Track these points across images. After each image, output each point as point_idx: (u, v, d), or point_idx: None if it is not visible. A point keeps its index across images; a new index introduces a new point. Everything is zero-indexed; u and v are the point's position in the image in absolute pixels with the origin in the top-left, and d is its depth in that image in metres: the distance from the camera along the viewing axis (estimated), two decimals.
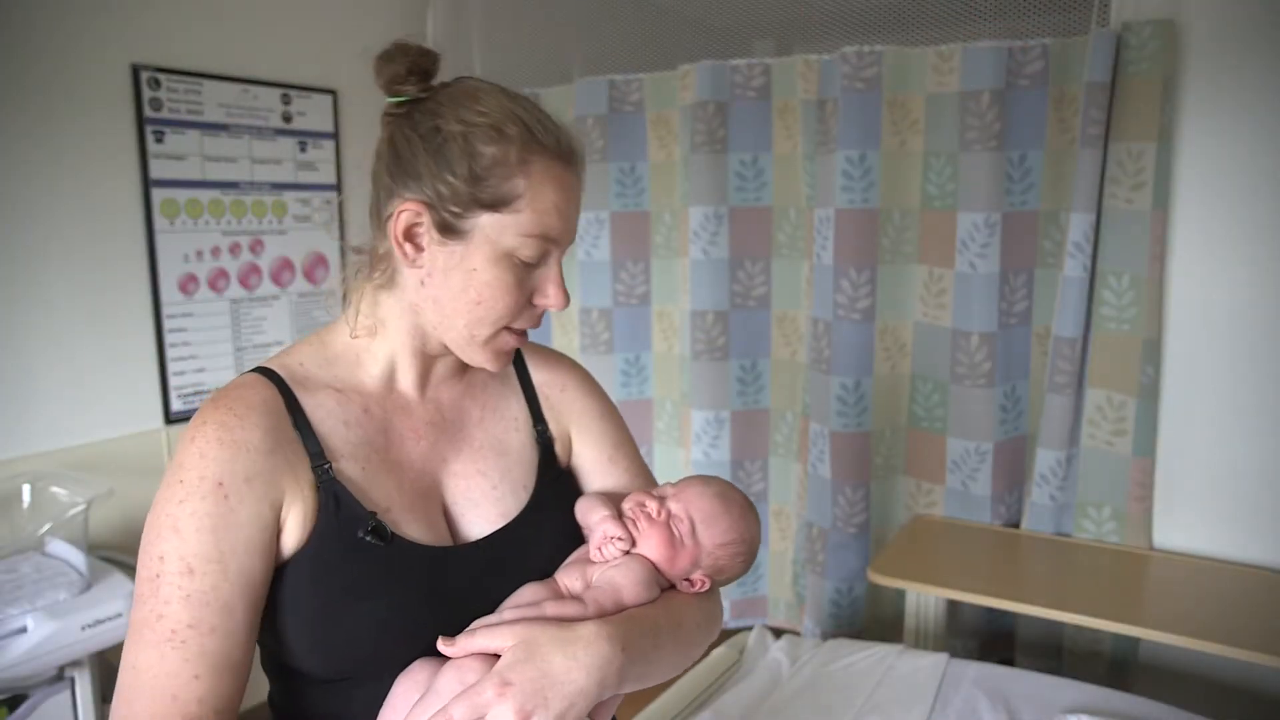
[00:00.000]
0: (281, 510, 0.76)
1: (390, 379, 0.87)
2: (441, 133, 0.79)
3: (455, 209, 0.79)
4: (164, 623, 0.71)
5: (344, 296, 0.88)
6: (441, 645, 0.76)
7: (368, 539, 0.78)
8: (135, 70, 2.13)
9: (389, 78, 0.81)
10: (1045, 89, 2.05)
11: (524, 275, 0.82)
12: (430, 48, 0.83)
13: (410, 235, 0.80)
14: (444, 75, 0.86)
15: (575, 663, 0.73)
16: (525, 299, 0.82)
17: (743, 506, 0.94)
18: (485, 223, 0.79)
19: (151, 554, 0.73)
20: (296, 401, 0.81)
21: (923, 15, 2.22)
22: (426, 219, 0.80)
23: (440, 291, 0.81)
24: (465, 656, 0.75)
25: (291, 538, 0.77)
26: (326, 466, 0.79)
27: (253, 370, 0.83)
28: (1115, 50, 1.91)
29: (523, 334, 0.86)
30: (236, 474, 0.74)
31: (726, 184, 2.39)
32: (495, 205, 0.79)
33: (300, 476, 0.78)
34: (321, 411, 0.82)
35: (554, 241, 0.82)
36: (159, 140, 2.18)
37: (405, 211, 0.80)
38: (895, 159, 2.20)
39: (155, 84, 2.17)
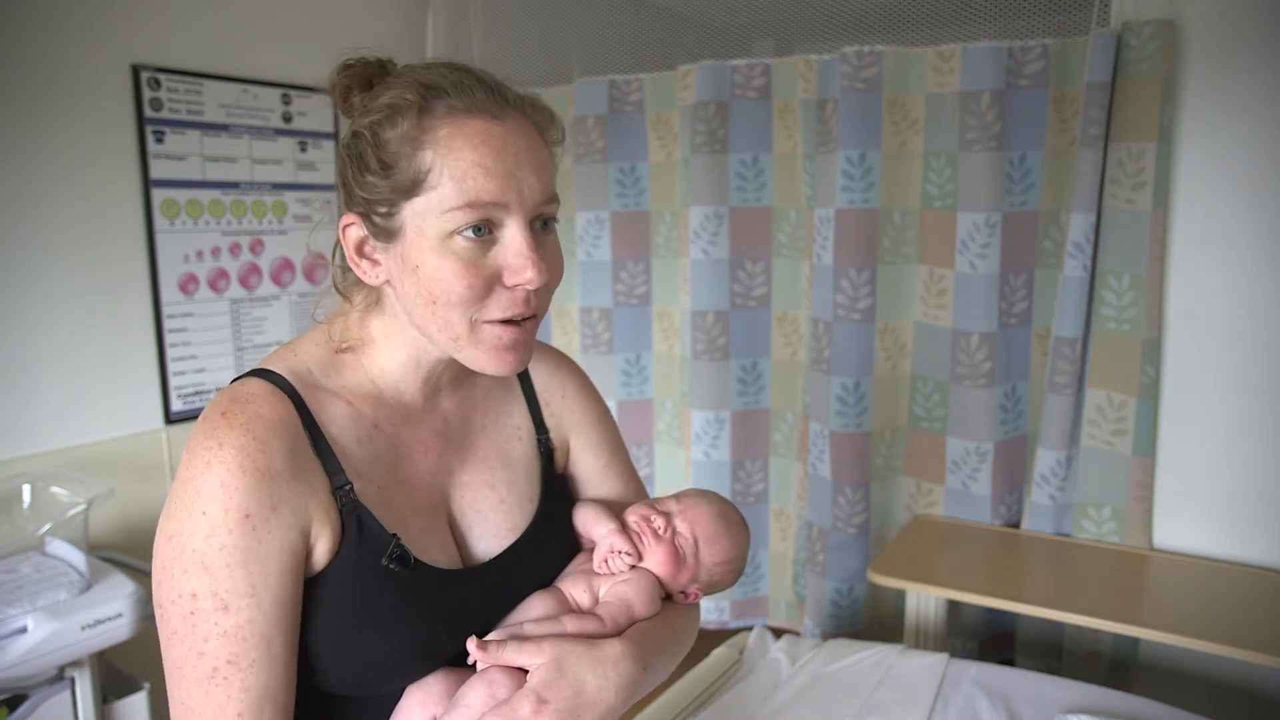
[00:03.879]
0: (310, 534, 0.74)
1: (397, 392, 0.83)
2: (354, 136, 0.76)
3: (382, 209, 0.74)
4: (205, 660, 0.69)
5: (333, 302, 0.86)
6: (473, 647, 0.75)
7: (391, 566, 0.76)
8: (135, 70, 2.13)
9: (339, 101, 0.79)
10: (1045, 89, 2.05)
11: (477, 255, 0.73)
12: (374, 57, 0.79)
13: (362, 251, 0.77)
14: None
15: (606, 681, 0.75)
16: (486, 282, 0.73)
17: (740, 526, 0.96)
18: (409, 213, 0.73)
19: (182, 590, 0.70)
20: (312, 417, 0.77)
21: (923, 15, 2.21)
22: (366, 229, 0.76)
23: (405, 302, 0.77)
24: (493, 669, 0.75)
25: (318, 560, 0.75)
26: (348, 488, 0.76)
27: (258, 375, 0.78)
28: (1115, 50, 1.91)
29: (521, 326, 0.77)
30: (263, 503, 0.70)
31: (726, 184, 2.39)
32: (412, 189, 0.72)
33: (323, 500, 0.75)
34: (336, 428, 0.78)
35: (495, 205, 0.72)
36: (159, 140, 2.18)
37: (348, 227, 0.77)
38: (895, 159, 2.20)
39: (155, 84, 2.17)
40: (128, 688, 1.81)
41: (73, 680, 1.68)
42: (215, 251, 2.31)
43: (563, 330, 2.79)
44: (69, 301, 2.05)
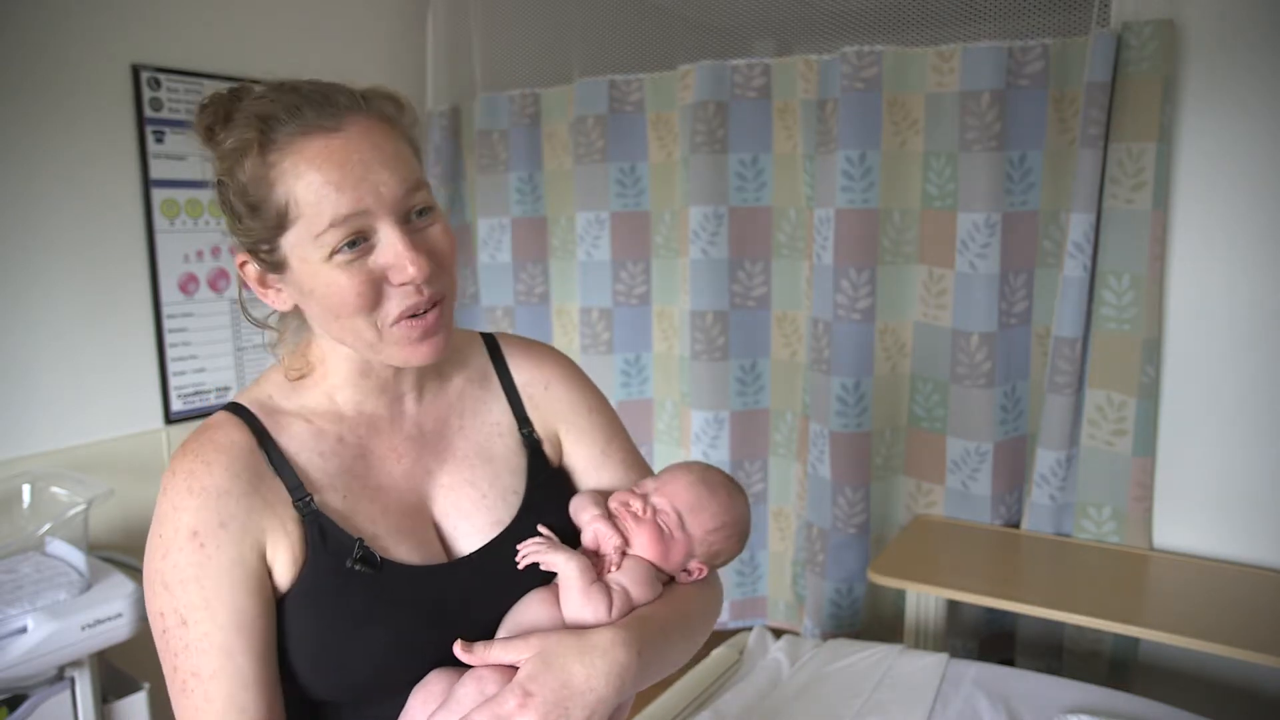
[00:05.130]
0: (266, 550, 0.76)
1: (357, 404, 0.85)
2: (218, 185, 0.77)
3: (265, 247, 0.76)
4: (177, 674, 0.74)
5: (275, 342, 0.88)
6: (459, 650, 0.76)
7: (357, 568, 0.77)
8: (135, 70, 2.13)
9: (205, 139, 0.78)
10: (1045, 89, 2.05)
11: (359, 265, 0.74)
12: (226, 90, 0.78)
13: (265, 282, 0.80)
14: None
15: (594, 671, 0.74)
16: (375, 286, 0.75)
17: (728, 488, 0.93)
18: (286, 245, 0.75)
19: (154, 610, 0.75)
20: (270, 437, 0.80)
21: (923, 15, 2.22)
22: (259, 265, 0.79)
23: (316, 322, 0.80)
24: (483, 667, 0.75)
25: (284, 575, 0.77)
26: (308, 499, 0.78)
27: (225, 408, 0.82)
28: (1115, 50, 1.91)
29: (424, 317, 0.77)
30: (209, 521, 0.74)
31: (726, 184, 2.39)
32: (280, 225, 0.74)
33: (281, 513, 0.77)
34: (295, 444, 0.81)
35: (357, 215, 0.73)
36: (159, 140, 2.18)
37: (244, 265, 0.80)
38: (895, 159, 2.20)
39: (155, 84, 2.17)
40: (128, 688, 1.81)
41: (73, 680, 1.68)
42: (215, 251, 2.31)
43: (563, 330, 2.79)
44: (69, 301, 2.05)
